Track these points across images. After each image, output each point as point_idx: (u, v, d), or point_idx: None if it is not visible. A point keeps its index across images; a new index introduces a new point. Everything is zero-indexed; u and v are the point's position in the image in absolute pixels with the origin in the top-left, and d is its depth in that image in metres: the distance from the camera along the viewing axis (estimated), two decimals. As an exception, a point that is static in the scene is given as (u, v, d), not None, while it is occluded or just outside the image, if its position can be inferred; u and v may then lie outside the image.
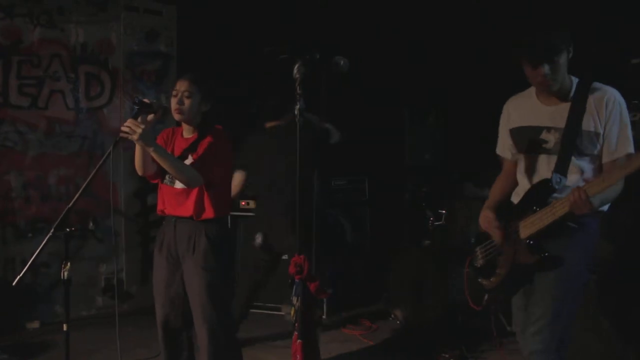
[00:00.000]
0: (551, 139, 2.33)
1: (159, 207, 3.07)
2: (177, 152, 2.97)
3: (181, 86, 2.91)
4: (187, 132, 3.02)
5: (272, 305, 4.82)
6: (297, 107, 2.11)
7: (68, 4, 4.67)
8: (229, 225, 4.72)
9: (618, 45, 4.01)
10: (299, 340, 2.02)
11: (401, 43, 5.48)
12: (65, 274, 2.58)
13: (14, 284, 2.53)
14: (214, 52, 5.03)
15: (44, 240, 2.49)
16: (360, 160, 5.49)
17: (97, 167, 2.62)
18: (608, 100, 2.26)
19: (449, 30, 5.16)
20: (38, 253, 2.49)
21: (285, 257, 4.21)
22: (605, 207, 2.35)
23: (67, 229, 2.58)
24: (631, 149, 2.25)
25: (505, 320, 3.92)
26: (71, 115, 4.76)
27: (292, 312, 2.05)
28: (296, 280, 2.06)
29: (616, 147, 2.26)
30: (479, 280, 2.57)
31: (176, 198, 2.95)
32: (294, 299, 2.05)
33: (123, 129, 2.61)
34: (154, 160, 2.80)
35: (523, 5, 4.37)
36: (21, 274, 2.49)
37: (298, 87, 2.11)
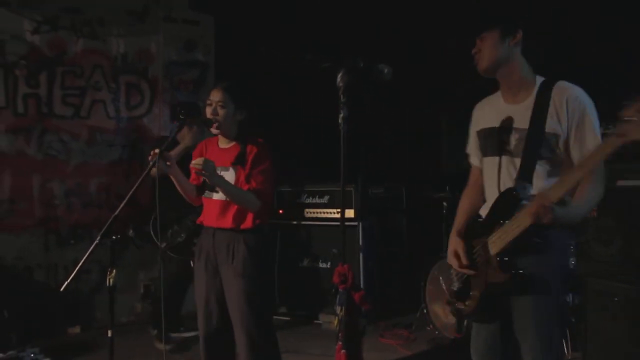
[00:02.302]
0: (512, 141, 2.17)
1: (200, 217, 3.10)
2: (215, 162, 2.97)
3: (215, 96, 2.93)
4: (224, 143, 3.02)
5: (305, 313, 4.82)
6: (341, 115, 2.09)
7: (109, 15, 4.79)
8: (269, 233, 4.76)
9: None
10: (342, 351, 2.00)
11: (437, 47, 5.44)
12: (111, 280, 2.61)
13: (61, 289, 2.56)
14: (251, 60, 5.07)
15: (85, 246, 2.55)
16: (397, 169, 5.46)
17: (142, 176, 2.65)
18: (569, 99, 2.07)
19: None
20: (85, 260, 2.52)
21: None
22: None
23: (113, 237, 2.62)
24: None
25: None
26: (112, 125, 4.86)
27: (336, 322, 2.03)
28: (340, 289, 2.04)
29: (581, 148, 2.06)
30: (457, 305, 2.34)
31: (216, 210, 2.96)
32: (338, 309, 2.03)
33: (195, 165, 2.71)
34: (191, 183, 2.96)
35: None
36: (68, 280, 2.53)
37: (342, 96, 2.09)
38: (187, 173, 2.98)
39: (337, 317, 2.03)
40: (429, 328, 4.51)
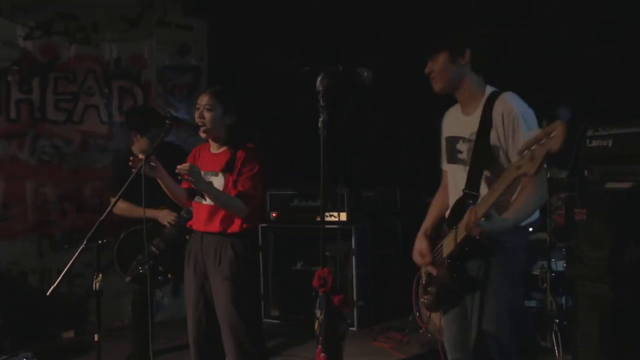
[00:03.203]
0: (464, 149, 2.33)
1: (190, 222, 3.11)
2: (205, 167, 2.98)
3: (202, 99, 2.93)
4: (214, 148, 3.03)
5: (299, 317, 4.82)
6: (321, 119, 2.10)
7: (102, 20, 4.81)
8: (260, 237, 4.75)
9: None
10: (322, 355, 2.00)
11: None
12: (97, 285, 2.61)
13: (47, 294, 2.57)
14: (243, 65, 5.08)
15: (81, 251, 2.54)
16: (392, 171, 5.45)
17: (129, 181, 2.67)
18: (504, 113, 2.19)
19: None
20: (71, 265, 2.52)
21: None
22: (524, 222, 2.24)
23: (99, 241, 2.62)
24: None
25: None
26: (105, 130, 4.88)
27: (316, 326, 2.04)
28: (320, 293, 2.04)
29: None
30: (422, 298, 2.55)
31: (204, 214, 2.97)
32: (318, 312, 2.03)
33: (181, 170, 2.69)
34: (181, 187, 2.96)
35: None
36: (54, 285, 2.53)
37: (321, 99, 2.10)
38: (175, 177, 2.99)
39: (317, 321, 2.03)
40: (421, 331, 4.50)
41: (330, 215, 4.77)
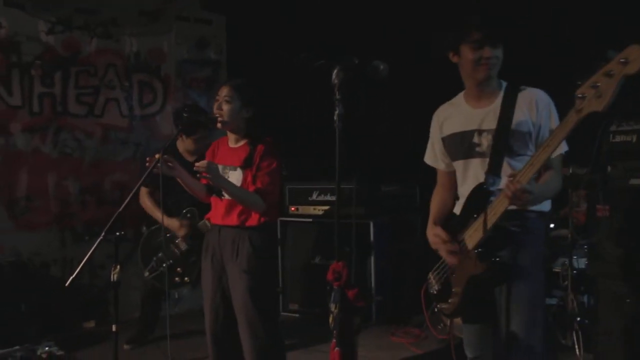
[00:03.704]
0: (483, 142, 2.29)
1: (208, 214, 3.13)
2: (224, 161, 3.00)
3: (222, 92, 2.96)
4: (233, 142, 3.04)
5: (317, 311, 4.82)
6: (337, 112, 2.08)
7: (122, 15, 4.86)
8: (278, 231, 4.76)
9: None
10: (336, 349, 2.00)
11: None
12: (115, 276, 2.64)
13: (66, 284, 2.61)
14: (262, 58, 5.08)
15: (99, 242, 2.57)
16: (410, 166, 5.40)
17: (147, 173, 2.70)
18: (538, 101, 2.24)
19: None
20: (89, 256, 2.56)
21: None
22: (547, 207, 2.30)
23: (117, 233, 2.65)
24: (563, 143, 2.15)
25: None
26: (125, 123, 4.93)
27: (331, 320, 2.03)
28: (334, 287, 2.03)
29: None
30: (438, 307, 2.45)
31: (223, 208, 2.99)
32: (332, 306, 2.02)
33: (199, 167, 2.73)
34: (198, 184, 2.99)
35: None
36: (73, 276, 2.57)
37: (337, 93, 2.09)
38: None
39: (331, 315, 2.03)
40: (440, 327, 4.47)
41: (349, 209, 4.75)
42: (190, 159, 3.92)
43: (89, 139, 4.80)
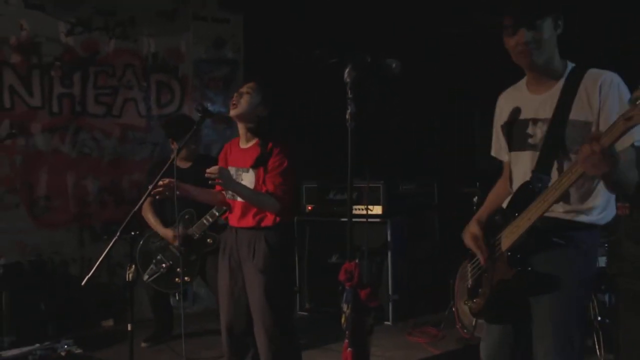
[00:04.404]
0: (537, 133, 2.04)
1: (226, 214, 3.15)
2: (235, 163, 3.01)
3: (248, 84, 2.99)
4: (244, 142, 3.04)
5: (334, 310, 4.79)
6: (348, 111, 2.06)
7: (140, 16, 4.89)
8: (295, 230, 4.76)
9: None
10: (349, 349, 1.99)
11: (470, 42, 5.33)
12: (130, 275, 2.66)
13: (82, 284, 2.64)
14: (279, 57, 5.07)
15: (118, 242, 2.60)
16: (429, 164, 5.37)
17: (161, 173, 2.73)
18: (603, 83, 1.92)
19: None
20: (105, 255, 2.59)
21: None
22: (603, 219, 2.03)
23: (132, 232, 2.68)
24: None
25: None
26: (143, 123, 4.97)
27: (343, 320, 2.02)
28: (347, 287, 2.02)
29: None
30: (466, 303, 2.27)
31: (239, 211, 2.99)
32: (344, 306, 2.01)
33: (211, 174, 2.75)
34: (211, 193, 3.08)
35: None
36: (89, 275, 2.61)
37: (349, 91, 2.07)
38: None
39: (343, 315, 2.02)
40: (457, 326, 4.43)
41: (366, 209, 4.73)
42: (185, 165, 3.97)
43: (108, 139, 4.85)
